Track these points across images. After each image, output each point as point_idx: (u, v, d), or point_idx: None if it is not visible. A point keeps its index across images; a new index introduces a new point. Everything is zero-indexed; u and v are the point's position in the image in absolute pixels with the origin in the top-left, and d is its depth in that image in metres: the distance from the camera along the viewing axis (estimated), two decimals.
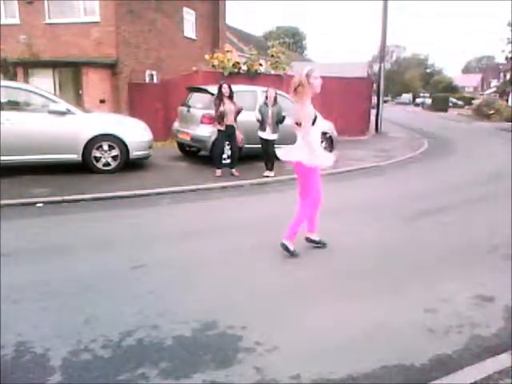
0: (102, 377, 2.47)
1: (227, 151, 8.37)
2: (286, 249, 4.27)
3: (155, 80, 14.94)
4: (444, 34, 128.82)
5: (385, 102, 18.65)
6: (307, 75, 4.00)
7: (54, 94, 10.03)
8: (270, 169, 8.29)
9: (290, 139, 10.34)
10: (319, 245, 4.58)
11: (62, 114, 7.47)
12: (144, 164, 8.68)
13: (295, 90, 4.06)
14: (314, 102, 4.24)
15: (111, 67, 13.40)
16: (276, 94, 8.09)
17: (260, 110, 8.12)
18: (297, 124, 4.12)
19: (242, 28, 34.39)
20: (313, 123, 4.05)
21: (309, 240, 4.58)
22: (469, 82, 73.79)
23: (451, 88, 57.89)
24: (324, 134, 10.41)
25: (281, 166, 8.88)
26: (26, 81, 13.11)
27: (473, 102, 40.41)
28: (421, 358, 2.71)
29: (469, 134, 20.12)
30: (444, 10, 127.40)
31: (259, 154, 8.74)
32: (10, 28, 13.57)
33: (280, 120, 8.03)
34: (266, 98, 8.06)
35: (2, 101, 7.35)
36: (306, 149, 4.11)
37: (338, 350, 2.79)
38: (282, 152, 4.41)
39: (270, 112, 7.97)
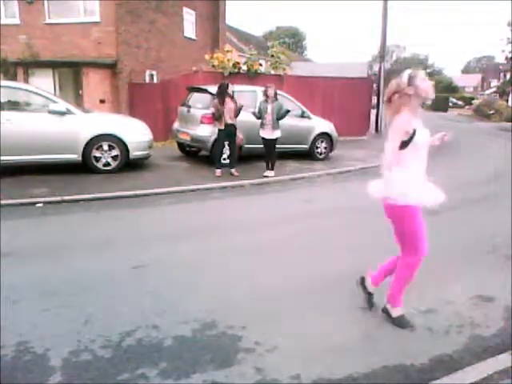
0: (101, 377, 2.47)
1: (226, 151, 8.38)
2: (388, 314, 3.17)
3: (155, 80, 14.93)
4: (444, 33, 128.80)
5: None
6: (410, 78, 2.81)
7: (54, 94, 10.03)
8: (271, 169, 8.30)
9: (293, 139, 10.37)
10: (368, 300, 3.32)
11: (62, 114, 7.47)
12: (144, 164, 8.68)
13: (389, 99, 2.91)
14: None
15: (111, 67, 13.40)
16: (275, 91, 8.09)
17: (259, 106, 8.13)
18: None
19: (242, 28, 34.40)
20: (407, 142, 2.80)
21: (362, 284, 3.37)
22: (469, 82, 73.74)
23: (451, 88, 57.85)
24: (324, 134, 10.46)
25: (282, 166, 8.91)
26: (26, 81, 13.11)
27: (473, 102, 40.44)
28: (421, 358, 2.71)
29: (469, 133, 20.10)
30: (444, 10, 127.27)
31: (260, 154, 8.76)
32: (10, 28, 13.56)
33: (282, 115, 8.02)
34: (266, 95, 8.05)
35: (2, 101, 7.35)
36: (395, 179, 2.86)
37: (338, 350, 2.79)
38: (372, 185, 3.19)
39: (269, 108, 7.95)
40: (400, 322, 3.08)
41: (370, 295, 3.29)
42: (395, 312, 3.12)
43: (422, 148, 2.86)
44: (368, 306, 3.28)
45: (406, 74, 2.85)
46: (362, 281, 3.34)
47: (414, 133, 2.78)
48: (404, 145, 2.80)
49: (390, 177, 2.88)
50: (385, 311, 3.18)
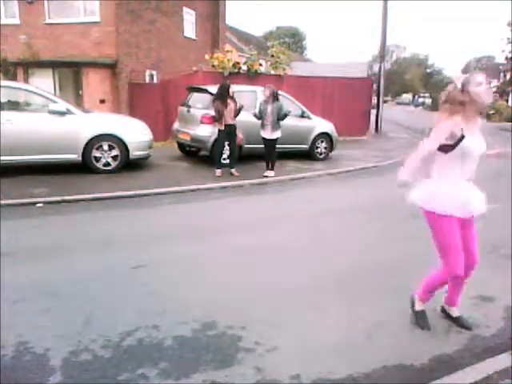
0: (101, 377, 2.47)
1: (226, 151, 8.38)
2: (412, 305, 3.19)
3: (155, 80, 14.94)
4: (444, 34, 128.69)
5: (385, 102, 18.62)
6: (464, 83, 2.64)
7: (54, 94, 10.03)
8: (271, 169, 8.30)
9: (293, 139, 10.32)
10: (456, 324, 3.12)
11: (62, 114, 7.47)
12: (144, 164, 8.68)
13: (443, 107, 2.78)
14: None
15: (111, 67, 13.40)
16: (273, 91, 8.04)
17: (260, 107, 8.13)
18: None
19: (242, 28, 34.39)
20: (453, 146, 2.67)
21: (443, 311, 3.24)
22: None
23: None
24: (324, 134, 10.46)
25: (282, 166, 8.91)
26: (26, 81, 13.12)
27: None
28: (421, 358, 2.71)
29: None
30: (444, 9, 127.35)
31: (260, 154, 8.76)
32: (10, 28, 13.57)
33: (281, 118, 8.01)
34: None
35: (2, 101, 7.35)
36: (426, 183, 2.84)
37: (338, 350, 2.79)
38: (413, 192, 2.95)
39: (269, 109, 7.95)
40: (419, 318, 3.10)
41: (458, 319, 3.13)
42: (418, 306, 3.14)
43: (469, 157, 2.69)
44: (466, 328, 3.07)
45: (460, 80, 2.70)
46: (443, 310, 3.23)
47: (461, 138, 2.64)
48: (450, 149, 2.67)
49: (423, 181, 2.83)
50: (411, 301, 3.20)
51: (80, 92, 13.33)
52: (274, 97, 8.02)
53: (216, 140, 8.29)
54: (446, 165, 2.75)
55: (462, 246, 2.84)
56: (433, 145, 2.70)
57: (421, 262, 4.35)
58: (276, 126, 8.00)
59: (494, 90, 51.45)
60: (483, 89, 2.57)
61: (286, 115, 8.06)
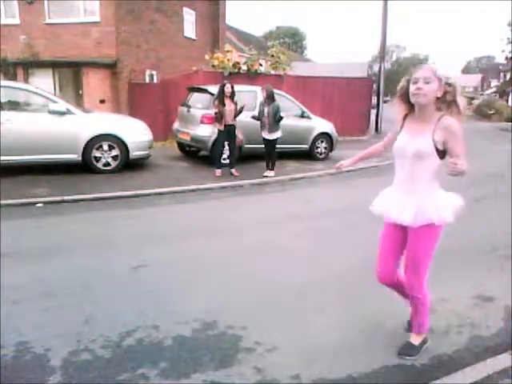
0: (101, 377, 2.47)
1: (226, 151, 8.38)
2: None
3: (155, 80, 14.93)
4: (444, 34, 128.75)
5: (385, 102, 18.56)
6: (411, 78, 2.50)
7: (54, 94, 10.03)
8: (271, 169, 8.30)
9: (293, 139, 10.29)
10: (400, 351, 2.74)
11: (62, 114, 7.47)
12: (144, 164, 8.68)
13: None
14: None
15: (111, 67, 13.39)
16: (269, 92, 8.01)
17: (259, 108, 8.15)
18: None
19: (242, 28, 34.41)
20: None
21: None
22: (469, 82, 73.74)
23: None
24: (324, 134, 10.46)
25: (282, 166, 8.91)
26: (26, 81, 13.11)
27: (473, 102, 40.44)
28: (421, 358, 2.71)
29: (469, 133, 20.09)
30: (444, 9, 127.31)
31: (260, 154, 8.76)
32: (10, 28, 13.56)
33: (277, 119, 7.99)
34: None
35: (2, 101, 7.35)
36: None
37: (337, 350, 2.79)
38: None
39: (266, 111, 7.96)
40: None
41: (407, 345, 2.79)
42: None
43: (402, 157, 2.53)
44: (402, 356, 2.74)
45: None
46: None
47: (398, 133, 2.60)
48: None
49: None
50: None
51: (80, 92, 13.33)
52: (271, 98, 8.00)
53: (216, 140, 8.29)
54: None
55: (388, 252, 2.97)
56: (394, 131, 2.70)
57: None
58: (274, 126, 7.99)
59: (494, 89, 51.45)
60: (413, 87, 2.41)
61: (281, 118, 8.03)
